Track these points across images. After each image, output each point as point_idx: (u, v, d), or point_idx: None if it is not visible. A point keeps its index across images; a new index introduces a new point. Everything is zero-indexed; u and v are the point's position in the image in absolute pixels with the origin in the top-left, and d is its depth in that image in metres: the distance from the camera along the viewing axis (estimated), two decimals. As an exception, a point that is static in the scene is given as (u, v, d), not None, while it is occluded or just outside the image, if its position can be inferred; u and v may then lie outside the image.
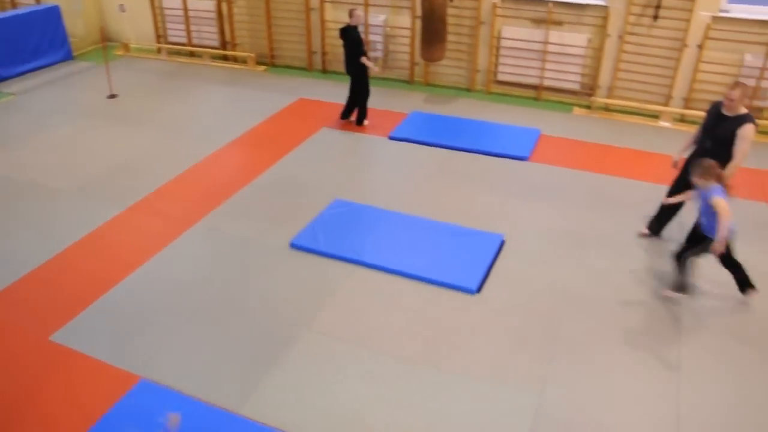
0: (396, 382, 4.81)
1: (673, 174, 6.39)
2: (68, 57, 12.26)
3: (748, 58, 9.39)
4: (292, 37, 11.83)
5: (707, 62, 9.56)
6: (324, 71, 11.73)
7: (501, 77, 10.73)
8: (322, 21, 11.37)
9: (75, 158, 8.32)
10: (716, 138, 5.80)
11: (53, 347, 5.12)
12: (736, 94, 5.62)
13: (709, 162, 5.21)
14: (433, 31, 9.93)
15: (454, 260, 6.12)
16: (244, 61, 12.21)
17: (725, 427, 4.53)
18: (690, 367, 5.05)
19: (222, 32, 12.34)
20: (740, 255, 5.80)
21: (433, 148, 8.58)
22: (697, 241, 5.57)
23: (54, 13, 11.84)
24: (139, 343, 5.17)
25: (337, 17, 11.17)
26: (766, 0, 9.31)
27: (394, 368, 4.94)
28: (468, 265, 6.05)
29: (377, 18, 10.89)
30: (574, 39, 10.04)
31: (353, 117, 9.39)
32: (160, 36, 12.99)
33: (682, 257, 5.65)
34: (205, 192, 7.44)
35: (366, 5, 10.81)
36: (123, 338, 5.22)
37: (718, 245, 5.14)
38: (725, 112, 5.78)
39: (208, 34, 12.47)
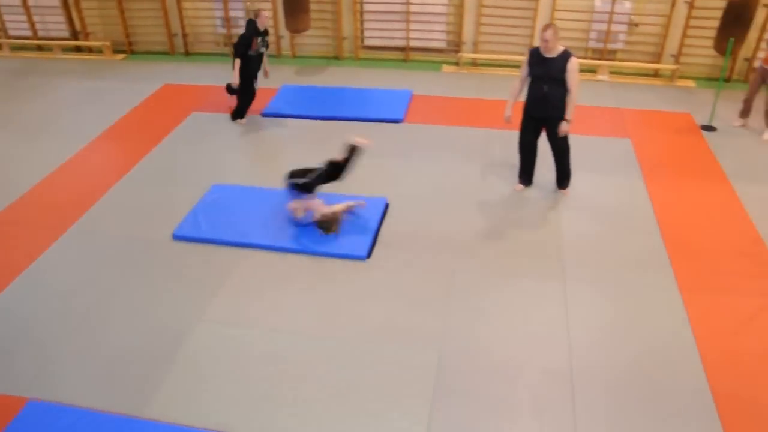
0: (298, 358, 4.80)
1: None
2: None
3: (598, 4, 9.93)
4: (149, 20, 11.28)
5: (561, 10, 10.01)
6: (187, 54, 11.30)
7: (368, 42, 10.76)
8: (179, 0, 10.90)
9: None
10: (551, 79, 6.19)
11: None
12: (549, 34, 6.05)
13: None
14: (295, 2, 9.78)
15: (342, 229, 6.15)
16: (99, 51, 11.53)
17: (610, 345, 4.89)
18: (575, 298, 5.39)
19: (71, 21, 11.55)
20: (602, 186, 6.22)
21: (307, 120, 8.52)
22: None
23: None
24: (21, 362, 4.86)
25: (193, -5, 10.74)
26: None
27: (295, 344, 4.93)
28: (355, 233, 6.10)
29: (237, -7, 10.57)
30: (436, -3, 10.21)
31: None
32: None
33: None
34: (74, 194, 7.02)
35: (221, -19, 10.48)
36: (2, 361, 4.89)
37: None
38: (546, 54, 6.18)
39: (54, 25, 11.61)
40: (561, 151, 6.65)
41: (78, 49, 11.65)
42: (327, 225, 6.07)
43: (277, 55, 10.97)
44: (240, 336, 5.03)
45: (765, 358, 4.87)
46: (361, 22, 10.63)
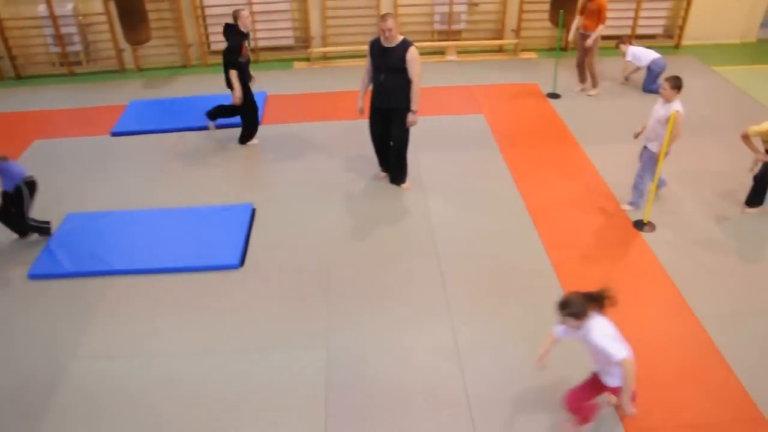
0: (184, 379, 4.60)
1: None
2: None
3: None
4: (-31, 47, 10.33)
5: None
6: (18, 77, 10.43)
7: (215, 47, 10.48)
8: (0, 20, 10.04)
9: None
10: (389, 69, 6.15)
11: None
12: (390, 23, 6.01)
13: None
14: (131, 12, 9.31)
15: (210, 241, 5.97)
16: None
17: (490, 316, 5.07)
18: (451, 274, 5.53)
19: None
20: (462, 162, 6.42)
21: (160, 134, 8.16)
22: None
23: None
24: None
25: (17, 13, 9.93)
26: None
27: (179, 366, 4.72)
28: (225, 242, 5.94)
29: (64, 8, 9.88)
30: (277, -5, 10.09)
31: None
32: None
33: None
34: None
35: (47, -4, 9.78)
36: None
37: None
38: (386, 44, 6.13)
39: None
40: (399, 143, 6.56)
41: None
42: None
43: (121, 70, 10.42)
44: (119, 368, 4.75)
45: (624, 296, 5.24)
46: (205, 27, 10.32)
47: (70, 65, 10.32)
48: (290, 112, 8.60)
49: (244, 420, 4.29)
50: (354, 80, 9.31)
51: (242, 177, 7.11)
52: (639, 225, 6.17)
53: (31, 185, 6.03)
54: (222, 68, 7.22)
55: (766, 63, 10.19)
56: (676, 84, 5.81)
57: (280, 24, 10.33)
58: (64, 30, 10.01)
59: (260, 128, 8.11)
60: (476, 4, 10.53)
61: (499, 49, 10.80)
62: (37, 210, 6.29)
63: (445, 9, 10.41)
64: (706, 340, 4.85)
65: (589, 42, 8.56)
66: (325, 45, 10.52)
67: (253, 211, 6.47)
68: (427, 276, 5.55)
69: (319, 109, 8.68)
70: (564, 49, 10.72)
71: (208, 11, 10.15)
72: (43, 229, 6.22)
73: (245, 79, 7.29)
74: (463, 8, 10.48)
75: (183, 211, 6.45)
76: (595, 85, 9.01)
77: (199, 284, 5.55)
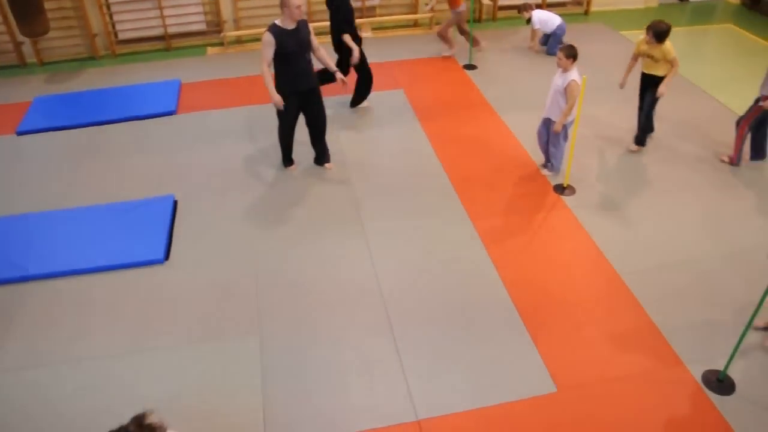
0: (117, 381, 4.48)
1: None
2: None
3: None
4: None
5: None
6: None
7: (123, 36, 10.08)
8: None
9: None
10: (305, 49, 6.10)
11: None
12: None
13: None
14: (24, 2, 8.77)
15: (132, 237, 5.79)
16: None
17: (419, 282, 5.14)
18: (378, 248, 5.56)
19: None
20: (384, 139, 6.42)
21: (72, 130, 7.81)
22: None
23: None
24: None
25: None
26: None
27: (111, 368, 4.58)
28: (148, 237, 5.78)
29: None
30: (184, -22, 9.77)
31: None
32: None
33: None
34: None
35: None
36: None
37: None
38: (291, 26, 5.93)
39: None
40: (323, 121, 6.52)
41: None
42: None
43: (22, 65, 9.88)
44: (45, 376, 4.57)
45: (550, 259, 5.41)
46: (110, 16, 9.89)
47: (-35, 62, 9.74)
48: (206, 99, 8.39)
49: (178, 417, 4.19)
50: (270, 63, 9.19)
51: (161, 168, 6.91)
52: (559, 189, 6.35)
53: None
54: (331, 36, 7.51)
55: (669, 25, 10.62)
56: (571, 53, 5.93)
57: (190, 9, 10.01)
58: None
59: (176, 117, 7.91)
60: (388, -20, 10.50)
61: (415, 24, 10.82)
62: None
63: (358, -13, 10.34)
64: (628, 295, 5.06)
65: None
66: (238, 28, 10.28)
67: (175, 202, 6.31)
68: (356, 253, 5.56)
69: (235, 94, 8.50)
70: (478, 20, 10.84)
71: (111, -2, 9.73)
72: None
73: (357, 42, 7.45)
74: (375, -16, 10.44)
75: (101, 208, 6.22)
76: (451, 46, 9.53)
77: (123, 282, 5.38)
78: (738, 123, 6.52)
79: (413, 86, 8.58)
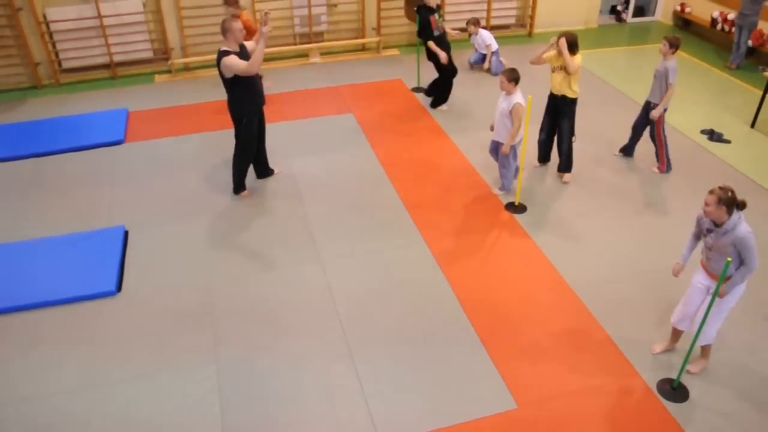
0: (68, 420, 4.34)
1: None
2: None
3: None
4: None
5: (260, 1, 10.09)
6: None
7: (67, 65, 9.89)
8: None
9: None
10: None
11: None
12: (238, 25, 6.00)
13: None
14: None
15: (82, 269, 5.65)
16: None
17: (375, 305, 5.15)
18: (334, 273, 5.56)
19: None
20: (336, 163, 6.44)
21: (15, 161, 7.60)
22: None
23: None
24: None
25: None
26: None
27: (59, 407, 4.44)
28: (99, 269, 5.65)
29: None
30: (129, 6, 9.68)
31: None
32: None
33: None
34: None
35: None
36: None
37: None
38: (237, 50, 6.02)
39: None
40: (264, 132, 6.80)
41: None
42: None
43: (-39, 96, 9.59)
44: (-8, 418, 4.41)
45: (505, 277, 5.49)
46: (53, 44, 9.71)
47: None
48: (155, 127, 8.29)
49: (137, 451, 4.11)
50: (219, 89, 9.13)
51: (110, 199, 6.78)
52: (511, 207, 6.47)
53: None
54: None
55: (606, 46, 10.99)
56: (513, 77, 6.07)
57: (136, 37, 9.91)
58: None
59: (124, 147, 7.80)
60: (335, 5, 10.60)
61: (362, 48, 10.94)
62: None
63: (305, 12, 10.41)
64: (582, 309, 5.18)
65: None
66: (186, 55, 10.22)
67: (126, 233, 6.19)
68: (312, 278, 5.55)
69: (185, 121, 8.42)
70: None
71: (53, 26, 9.53)
72: None
73: (444, 47, 8.27)
74: (322, 10, 10.52)
75: (49, 241, 6.06)
76: None
77: (74, 316, 5.24)
78: (652, 136, 6.98)
79: (363, 109, 8.66)
